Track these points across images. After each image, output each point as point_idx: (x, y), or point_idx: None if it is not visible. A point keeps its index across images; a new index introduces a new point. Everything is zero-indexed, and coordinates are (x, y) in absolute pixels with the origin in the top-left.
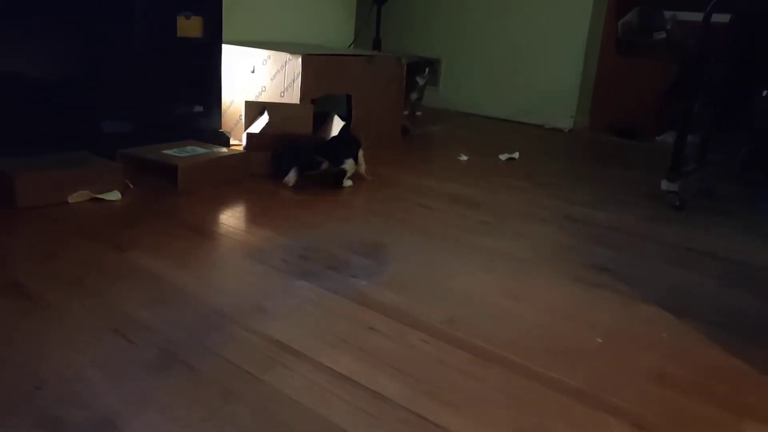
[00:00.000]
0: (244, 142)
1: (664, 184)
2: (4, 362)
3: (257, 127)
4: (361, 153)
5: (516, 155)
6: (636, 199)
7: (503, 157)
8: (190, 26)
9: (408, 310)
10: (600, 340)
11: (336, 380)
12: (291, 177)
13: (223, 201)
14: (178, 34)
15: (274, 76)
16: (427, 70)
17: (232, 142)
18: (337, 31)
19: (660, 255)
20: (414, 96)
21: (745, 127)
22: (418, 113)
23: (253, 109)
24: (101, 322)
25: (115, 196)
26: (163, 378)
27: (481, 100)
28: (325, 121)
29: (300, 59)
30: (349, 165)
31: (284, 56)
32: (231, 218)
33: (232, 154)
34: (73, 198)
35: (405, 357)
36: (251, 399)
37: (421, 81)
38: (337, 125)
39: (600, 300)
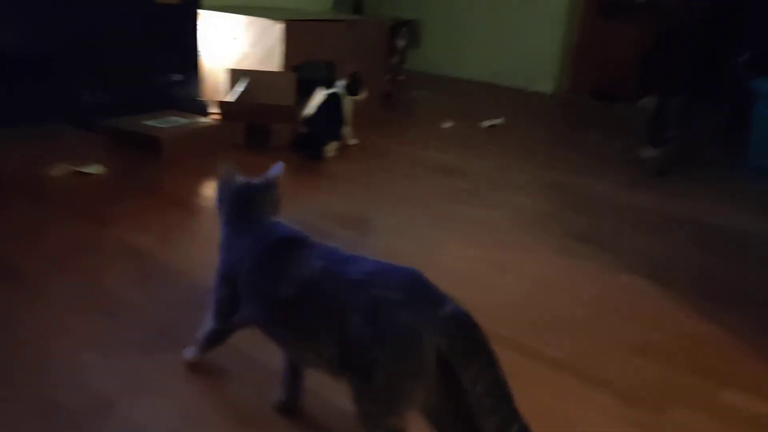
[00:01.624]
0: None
1: (645, 151)
2: (16, 353)
3: (233, 95)
4: (345, 108)
5: (498, 121)
6: (616, 166)
7: (486, 123)
8: None
9: None
10: (584, 311)
11: None
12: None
13: (206, 173)
14: (156, 0)
15: (255, 42)
16: (404, 30)
17: (209, 108)
18: None
19: (639, 222)
20: (395, 59)
21: (725, 91)
22: (401, 77)
23: (236, 76)
24: (90, 303)
25: (97, 169)
26: (157, 358)
27: (464, 63)
28: (308, 93)
29: (281, 25)
30: (331, 147)
31: (265, 22)
32: (214, 191)
33: (214, 125)
34: (55, 171)
35: None
36: (245, 376)
37: (401, 44)
38: (320, 96)
39: (582, 270)
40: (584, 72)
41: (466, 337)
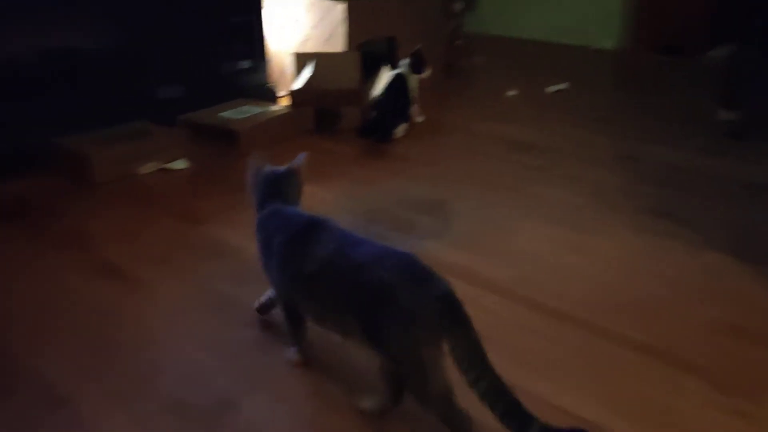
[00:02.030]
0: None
1: (722, 113)
2: (119, 347)
3: (301, 80)
4: (411, 86)
5: (564, 86)
6: (691, 129)
7: (551, 89)
8: None
9: (478, 271)
10: (669, 293)
11: None
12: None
13: (285, 161)
14: None
15: (317, 24)
16: None
17: (278, 93)
18: None
19: (719, 193)
20: (452, 24)
21: None
22: (459, 42)
23: (302, 60)
24: (198, 302)
25: (181, 164)
26: (268, 356)
27: (522, 22)
28: (374, 72)
29: (343, 6)
30: (400, 129)
31: (326, 4)
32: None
33: (285, 112)
34: (143, 170)
35: (484, 322)
36: (349, 373)
37: (457, 7)
38: (386, 78)
39: (663, 249)
40: (648, 25)
41: (451, 311)
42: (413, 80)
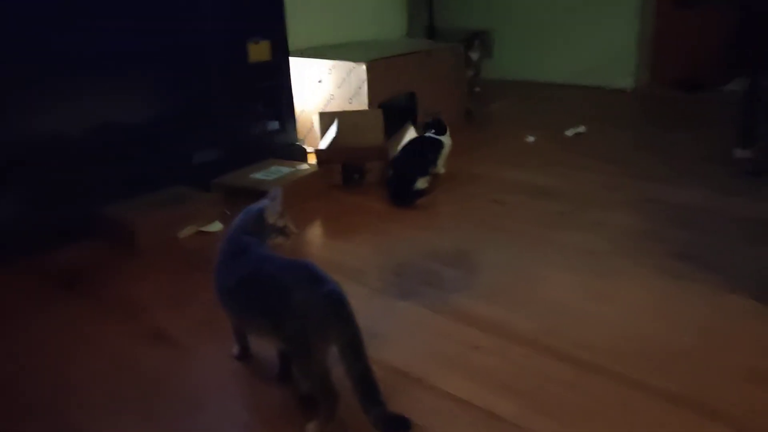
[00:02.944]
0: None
1: (738, 152)
2: (173, 411)
3: (327, 139)
4: (444, 152)
5: (582, 129)
6: (710, 168)
7: (570, 132)
8: (259, 51)
9: (506, 323)
10: (691, 339)
11: (454, 403)
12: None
13: (314, 220)
14: (250, 60)
15: (341, 84)
16: (476, 43)
17: (307, 150)
18: (390, 21)
19: (741, 233)
20: (470, 72)
21: None
22: (477, 89)
23: (326, 119)
24: (243, 366)
25: (217, 226)
26: (299, 420)
27: (538, 66)
28: (396, 127)
29: (364, 66)
30: (421, 183)
31: (349, 65)
32: (325, 238)
33: (313, 170)
34: (182, 234)
35: (511, 373)
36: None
37: (474, 56)
38: (409, 135)
39: (687, 293)
40: (664, 63)
41: (337, 308)
42: (447, 144)
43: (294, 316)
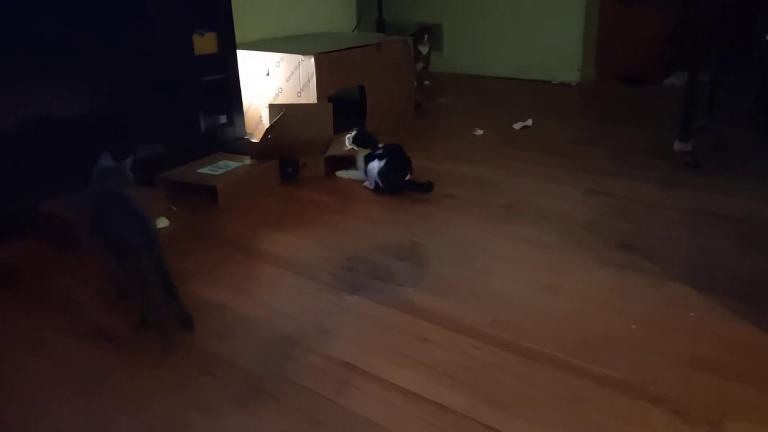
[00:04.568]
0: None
1: (677, 145)
2: (116, 409)
3: (265, 132)
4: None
5: (529, 122)
6: (652, 161)
7: (517, 126)
8: (205, 43)
9: (454, 315)
10: (634, 327)
11: (403, 396)
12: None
13: (262, 215)
14: (196, 53)
15: (289, 77)
16: (426, 36)
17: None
18: (340, 15)
19: (680, 224)
20: (420, 66)
21: (754, 66)
22: (426, 82)
23: (276, 112)
24: (185, 361)
25: (163, 223)
26: (253, 411)
27: (486, 61)
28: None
29: (313, 59)
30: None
31: (297, 58)
32: (273, 232)
33: (263, 165)
34: None
35: (460, 365)
36: (334, 424)
37: (424, 50)
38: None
39: (628, 283)
40: (608, 58)
41: (145, 231)
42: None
43: (115, 242)
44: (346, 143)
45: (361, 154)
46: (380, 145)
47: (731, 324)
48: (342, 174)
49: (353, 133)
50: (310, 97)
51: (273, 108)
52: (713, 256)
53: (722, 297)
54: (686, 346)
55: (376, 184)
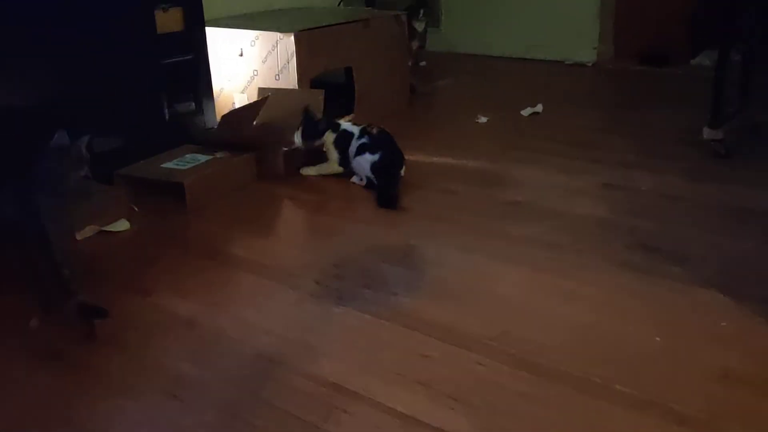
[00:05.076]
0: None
1: (706, 132)
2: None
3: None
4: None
5: (539, 108)
6: (677, 150)
7: (526, 112)
8: (169, 20)
9: (457, 327)
10: (658, 339)
11: (399, 421)
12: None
13: (236, 215)
14: (158, 31)
15: (266, 58)
16: (422, 11)
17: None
18: None
19: (708, 221)
20: (415, 44)
21: None
22: (422, 63)
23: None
24: (147, 384)
25: (123, 225)
26: None
27: (490, 39)
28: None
29: (293, 37)
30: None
31: (274, 36)
32: (249, 236)
33: (236, 158)
34: (81, 235)
35: (463, 385)
36: None
37: (419, 27)
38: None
39: (652, 289)
40: (628, 35)
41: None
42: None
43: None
44: (296, 141)
45: (329, 140)
46: (364, 129)
47: (766, 335)
48: (309, 171)
49: (299, 129)
50: (290, 80)
51: (262, 91)
52: (746, 258)
53: (757, 304)
54: (717, 360)
55: (369, 180)
